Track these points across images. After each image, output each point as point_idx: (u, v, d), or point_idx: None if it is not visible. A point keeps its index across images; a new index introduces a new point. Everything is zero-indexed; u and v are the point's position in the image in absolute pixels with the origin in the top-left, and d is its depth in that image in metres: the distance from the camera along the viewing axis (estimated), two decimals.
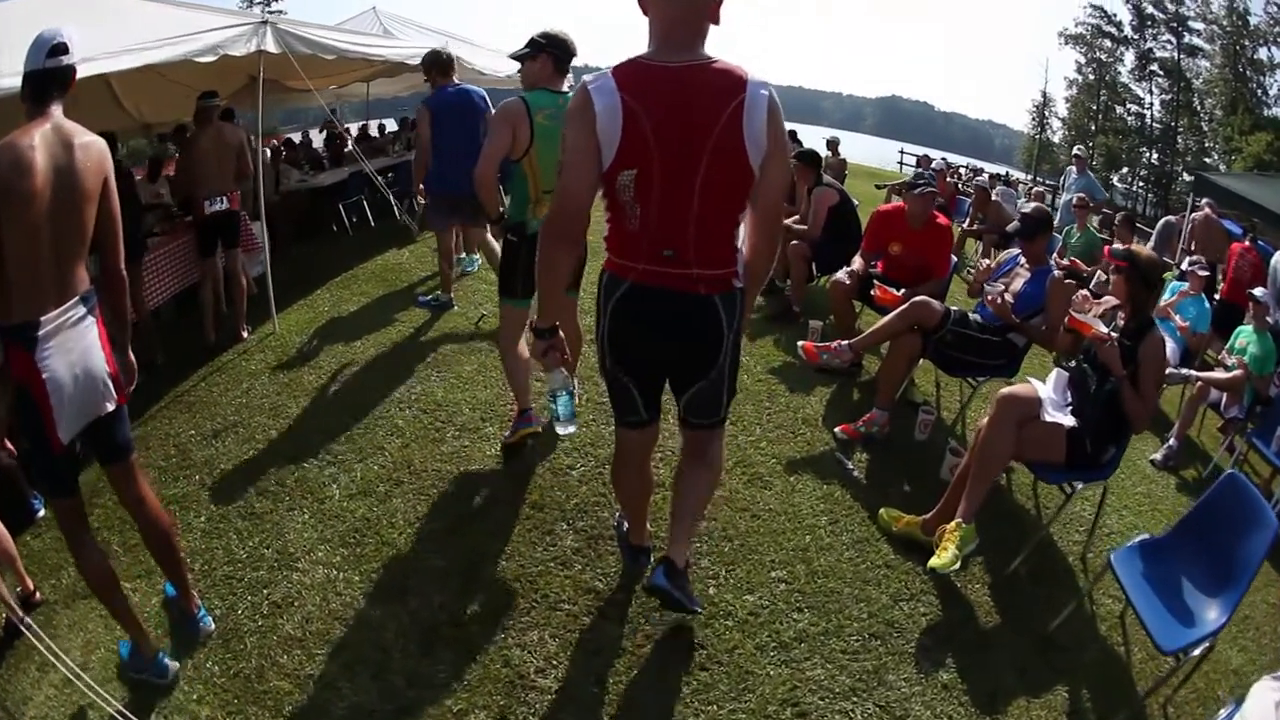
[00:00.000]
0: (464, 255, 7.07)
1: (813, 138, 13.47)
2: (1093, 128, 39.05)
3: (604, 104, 1.96)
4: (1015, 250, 4.30)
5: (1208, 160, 35.00)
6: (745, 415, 4.29)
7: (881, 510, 3.48)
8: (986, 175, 18.18)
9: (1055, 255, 7.94)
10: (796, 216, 6.28)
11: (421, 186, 5.70)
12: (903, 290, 4.39)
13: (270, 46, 5.29)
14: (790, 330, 5.66)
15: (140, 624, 2.45)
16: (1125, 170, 38.35)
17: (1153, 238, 10.47)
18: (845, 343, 4.11)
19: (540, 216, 3.36)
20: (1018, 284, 4.10)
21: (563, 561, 3.11)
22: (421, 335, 5.39)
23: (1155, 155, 37.24)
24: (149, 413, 4.20)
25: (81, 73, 2.42)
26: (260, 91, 5.55)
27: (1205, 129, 35.64)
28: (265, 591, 2.84)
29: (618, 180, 2.04)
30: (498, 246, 4.47)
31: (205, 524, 3.23)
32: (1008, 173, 23.35)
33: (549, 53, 3.41)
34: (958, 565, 2.91)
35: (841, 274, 4.90)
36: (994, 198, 9.28)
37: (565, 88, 3.48)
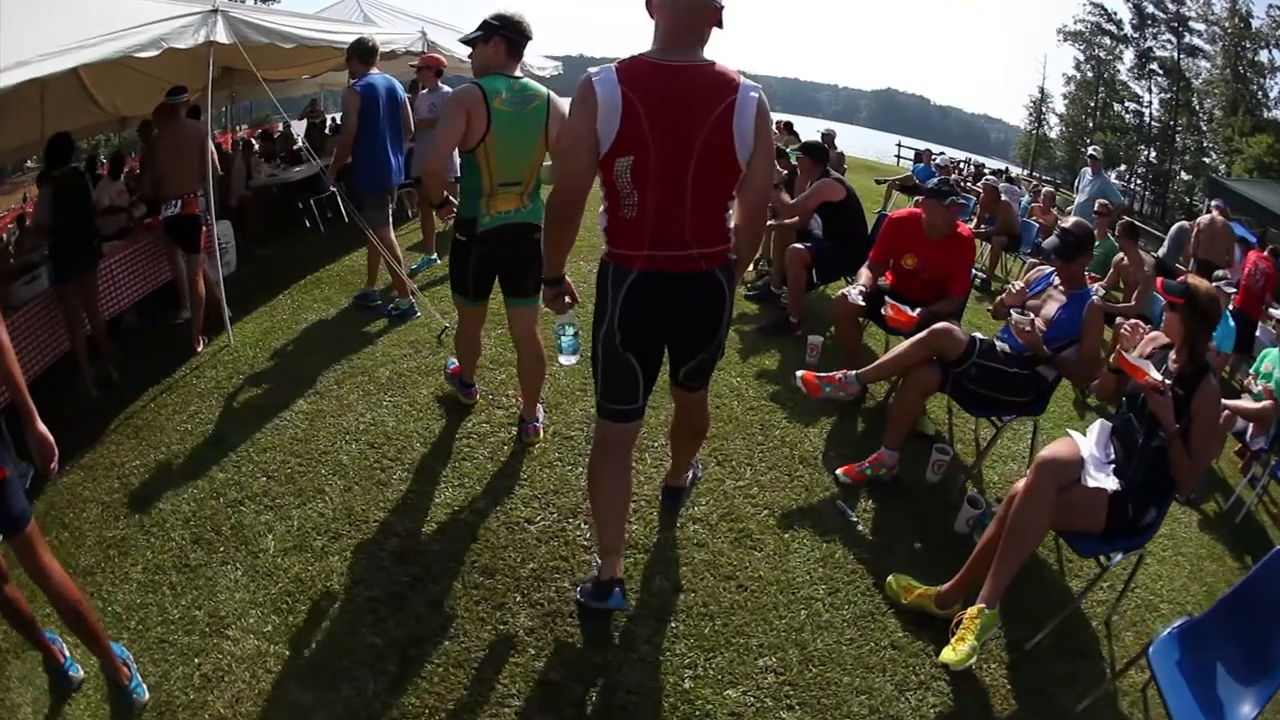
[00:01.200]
0: (430, 255, 6.58)
1: (809, 130, 12.82)
2: (1090, 124, 38.50)
3: (605, 94, 2.07)
4: (1047, 269, 3.73)
5: (1206, 160, 34.59)
6: (735, 454, 3.72)
7: (890, 577, 2.94)
8: (989, 171, 17.18)
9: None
10: (798, 219, 5.66)
11: (339, 181, 5.36)
12: (918, 310, 3.82)
13: (221, 37, 4.81)
14: (787, 345, 5.10)
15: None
16: (1123, 168, 37.82)
17: (1165, 244, 9.94)
18: (852, 373, 3.54)
19: (495, 211, 3.19)
20: (1051, 309, 3.54)
21: (513, 644, 2.61)
22: (378, 350, 4.83)
23: (1153, 154, 36.73)
24: (99, 437, 3.93)
25: (11, 79, 1.94)
26: (209, 84, 5.03)
27: (1204, 129, 35.01)
28: (197, 661, 2.56)
29: (615, 166, 2.14)
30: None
31: (142, 575, 2.94)
32: (1007, 169, 22.58)
33: (502, 35, 3.12)
34: (974, 659, 2.39)
35: (853, 292, 4.18)
36: (1003, 198, 8.66)
37: (518, 73, 3.20)
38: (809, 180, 5.54)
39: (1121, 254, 6.79)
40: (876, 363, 3.57)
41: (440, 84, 6.26)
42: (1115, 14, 37.89)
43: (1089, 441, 2.86)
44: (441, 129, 3.13)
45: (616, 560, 2.60)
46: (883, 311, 3.90)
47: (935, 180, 4.14)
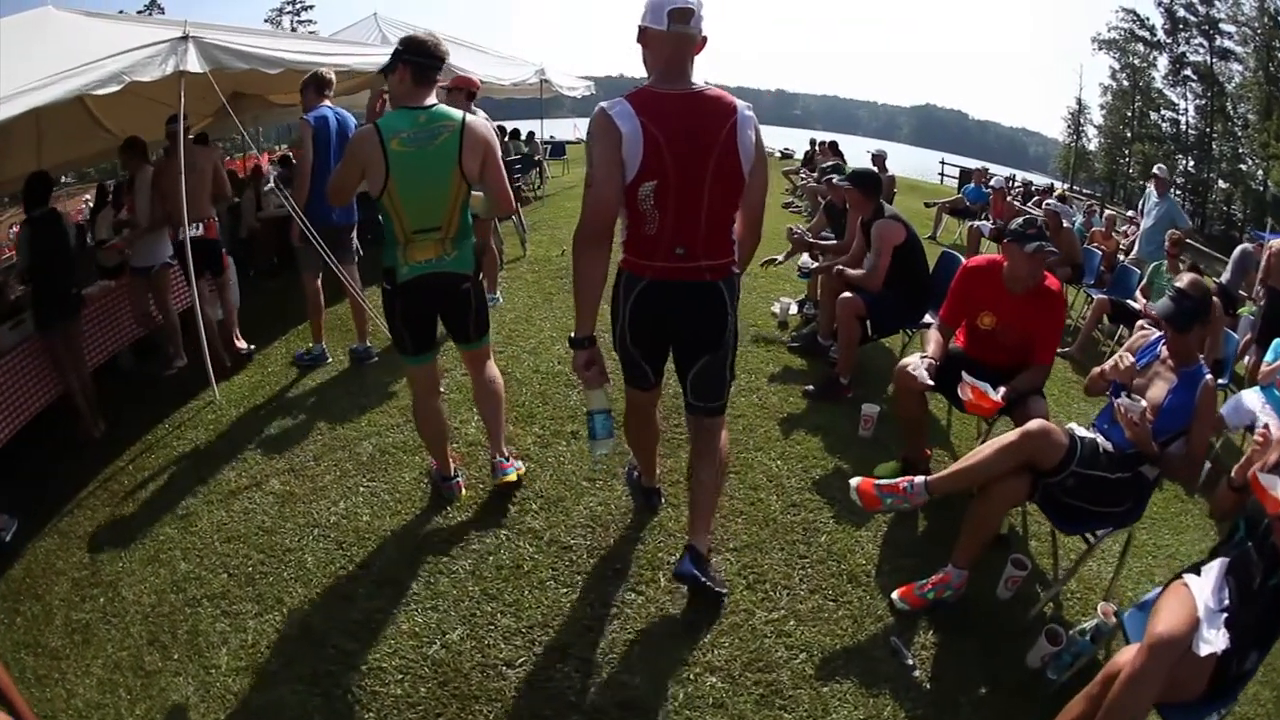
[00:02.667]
0: (493, 295, 5.92)
1: (854, 151, 11.91)
2: (1129, 134, 37.14)
3: (627, 128, 2.16)
4: (1153, 333, 2.95)
5: (1242, 168, 33.32)
6: (771, 573, 2.95)
7: None
8: (1037, 190, 15.78)
9: (1138, 293, 6.53)
10: (845, 259, 4.85)
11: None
12: (1001, 391, 3.01)
13: (193, 65, 4.27)
14: (836, 414, 4.27)
15: None
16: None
17: (1228, 269, 8.97)
18: (920, 481, 2.75)
19: (413, 261, 2.89)
20: (1159, 391, 2.76)
21: None
22: (365, 419, 4.18)
23: (1191, 163, 35.31)
24: (76, 499, 3.66)
25: None
26: (182, 114, 4.41)
27: (1239, 135, 33.59)
28: None
29: (639, 192, 2.24)
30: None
31: (102, 671, 2.61)
32: (1051, 185, 21.32)
33: (407, 62, 2.79)
34: None
35: (921, 370, 3.19)
36: (1064, 223, 7.78)
37: (430, 101, 2.84)
38: (860, 215, 4.69)
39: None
40: (953, 469, 2.77)
41: (475, 108, 5.58)
42: (1148, 19, 36.92)
43: (1204, 587, 2.09)
44: (334, 174, 2.94)
45: (653, 474, 3.22)
46: (960, 394, 3.08)
47: (1019, 222, 3.25)
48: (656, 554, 2.99)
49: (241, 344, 5.19)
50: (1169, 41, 35.57)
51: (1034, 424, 2.66)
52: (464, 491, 3.37)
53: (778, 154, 23.20)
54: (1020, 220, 3.25)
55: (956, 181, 20.17)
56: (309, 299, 4.89)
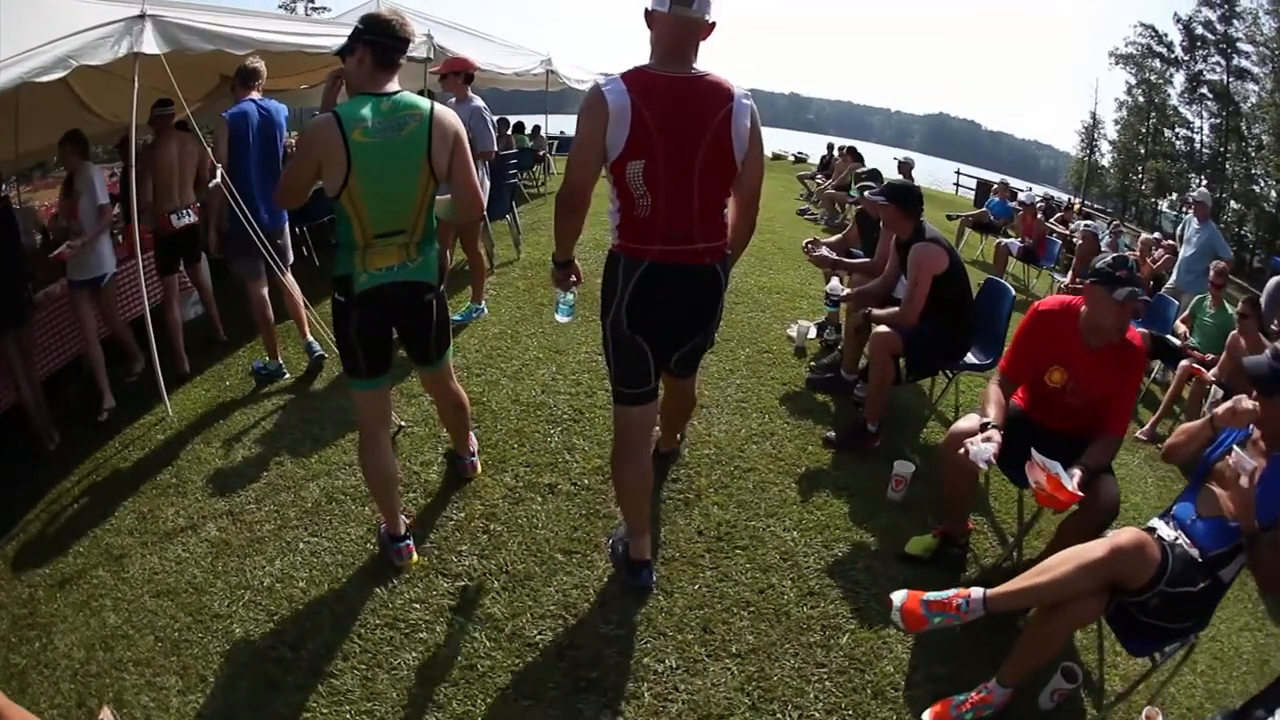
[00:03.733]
0: (478, 305, 5.37)
1: (874, 157, 11.26)
2: (1142, 151, 36.51)
3: (616, 104, 2.12)
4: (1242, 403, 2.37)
5: (1255, 189, 32.59)
6: (781, 686, 2.36)
7: None
8: (1055, 204, 14.95)
9: (1178, 323, 5.95)
10: (877, 282, 4.24)
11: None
12: (1075, 475, 2.37)
13: (149, 47, 3.77)
14: (863, 471, 3.62)
15: None
16: (1174, 196, 35.88)
17: (1262, 299, 8.34)
18: (977, 596, 2.17)
19: (374, 268, 2.52)
20: (1247, 469, 2.20)
21: None
22: (315, 456, 3.63)
23: (1204, 182, 34.79)
24: (22, 523, 3.32)
25: None
26: (134, 104, 3.86)
27: (1253, 155, 32.84)
28: None
29: (627, 170, 2.20)
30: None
31: None
32: (1071, 199, 20.55)
33: (367, 43, 2.44)
34: None
35: (980, 449, 2.46)
36: (1101, 249, 7.19)
37: (394, 88, 2.49)
38: (896, 236, 4.00)
39: (1238, 332, 5.17)
40: (1020, 586, 2.16)
41: (472, 94, 5.01)
42: (1166, 35, 36.15)
43: None
44: (286, 169, 2.54)
45: (644, 541, 2.71)
46: (1029, 478, 2.40)
47: (1108, 261, 2.59)
48: (642, 660, 2.42)
49: (221, 335, 5.19)
50: (1186, 59, 35.03)
51: (1126, 537, 2.09)
52: (415, 558, 2.82)
53: (791, 158, 22.52)
54: (1109, 259, 2.63)
55: (973, 194, 19.34)
56: (255, 311, 4.40)
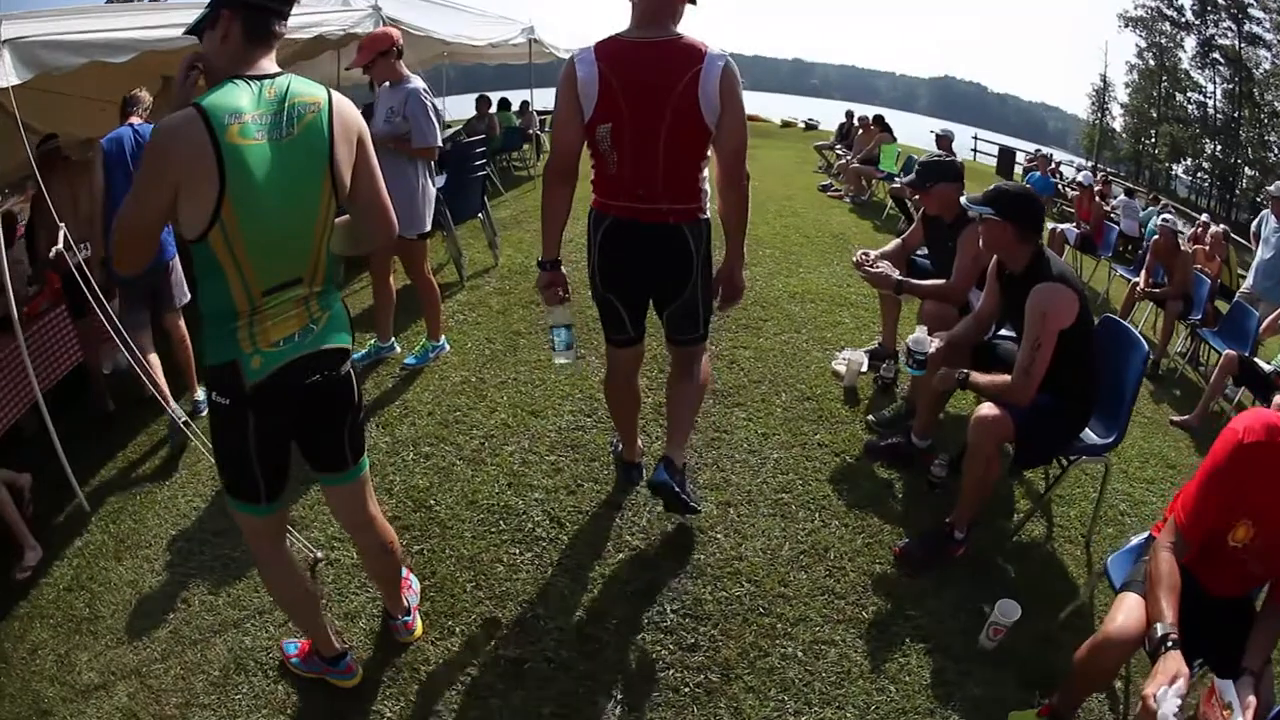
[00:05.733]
0: (374, 342, 4.09)
1: (905, 130, 9.86)
2: (1155, 115, 34.97)
3: (584, 71, 2.15)
4: None
5: (1268, 156, 31.26)
6: None
7: None
8: (1079, 169, 13.28)
9: (1264, 328, 4.70)
10: (970, 321, 2.95)
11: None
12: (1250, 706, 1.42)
13: (9, 78, 2.82)
14: (944, 604, 2.47)
15: None
16: (1189, 162, 34.45)
17: None
18: None
19: (269, 346, 1.66)
20: None
21: None
22: (225, 591, 2.53)
23: (1219, 147, 33.49)
24: None
25: None
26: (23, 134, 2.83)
27: (1266, 122, 31.39)
28: None
29: (597, 132, 2.21)
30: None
31: None
32: (1094, 165, 18.85)
33: (234, 9, 1.57)
34: None
35: (1168, 701, 1.44)
36: (1181, 246, 5.88)
37: (274, 69, 1.63)
38: (1005, 268, 2.70)
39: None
40: None
41: (407, 73, 3.70)
42: None
43: None
44: (123, 208, 1.55)
45: (634, 447, 2.97)
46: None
47: None
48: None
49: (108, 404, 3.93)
50: (1197, 23, 33.51)
51: None
52: (358, 672, 2.12)
53: (801, 125, 20.94)
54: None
55: (994, 161, 17.66)
56: (145, 358, 3.31)
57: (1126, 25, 35.97)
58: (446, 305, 4.75)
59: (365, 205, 1.79)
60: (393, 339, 4.11)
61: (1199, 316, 5.73)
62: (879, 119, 9.84)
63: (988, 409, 2.53)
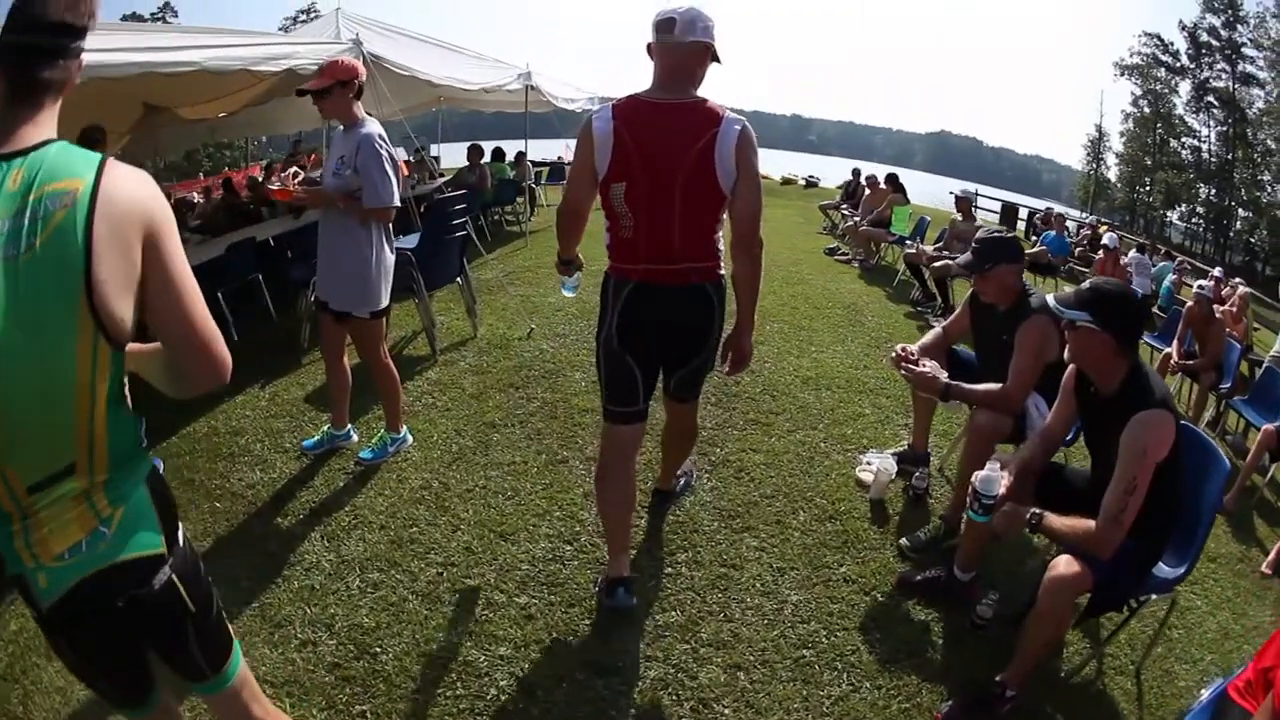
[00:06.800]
0: (329, 429, 3.53)
1: (919, 189, 9.44)
2: (1149, 163, 35.05)
3: (600, 129, 2.15)
4: None
5: (1260, 195, 31.54)
6: None
7: None
8: (1097, 225, 12.71)
9: None
10: (1037, 441, 2.43)
11: None
12: None
13: None
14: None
15: None
16: (1184, 207, 34.40)
17: None
18: None
19: (51, 560, 1.14)
20: None
21: None
22: None
23: (1213, 191, 33.52)
24: None
25: None
26: None
27: (1259, 162, 31.94)
28: None
29: (611, 190, 2.20)
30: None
31: None
32: (1097, 219, 18.50)
33: None
34: None
35: None
36: (1216, 314, 5.37)
37: (37, 139, 1.07)
38: (1098, 383, 2.14)
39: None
40: None
41: (363, 114, 3.14)
42: (1172, 44, 35.16)
43: None
44: None
45: (624, 559, 2.55)
46: None
47: None
48: None
49: None
50: (1192, 66, 34.05)
51: None
52: None
53: (802, 182, 20.54)
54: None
55: (997, 218, 17.31)
56: None
57: (1122, 73, 36.66)
58: (415, 383, 4.20)
59: (174, 341, 1.21)
60: (349, 426, 3.55)
61: (1228, 384, 5.24)
62: (892, 178, 9.31)
63: (1066, 567, 2.00)
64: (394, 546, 2.80)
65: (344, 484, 3.23)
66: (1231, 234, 32.87)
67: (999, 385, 2.70)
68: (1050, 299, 2.16)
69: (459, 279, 4.99)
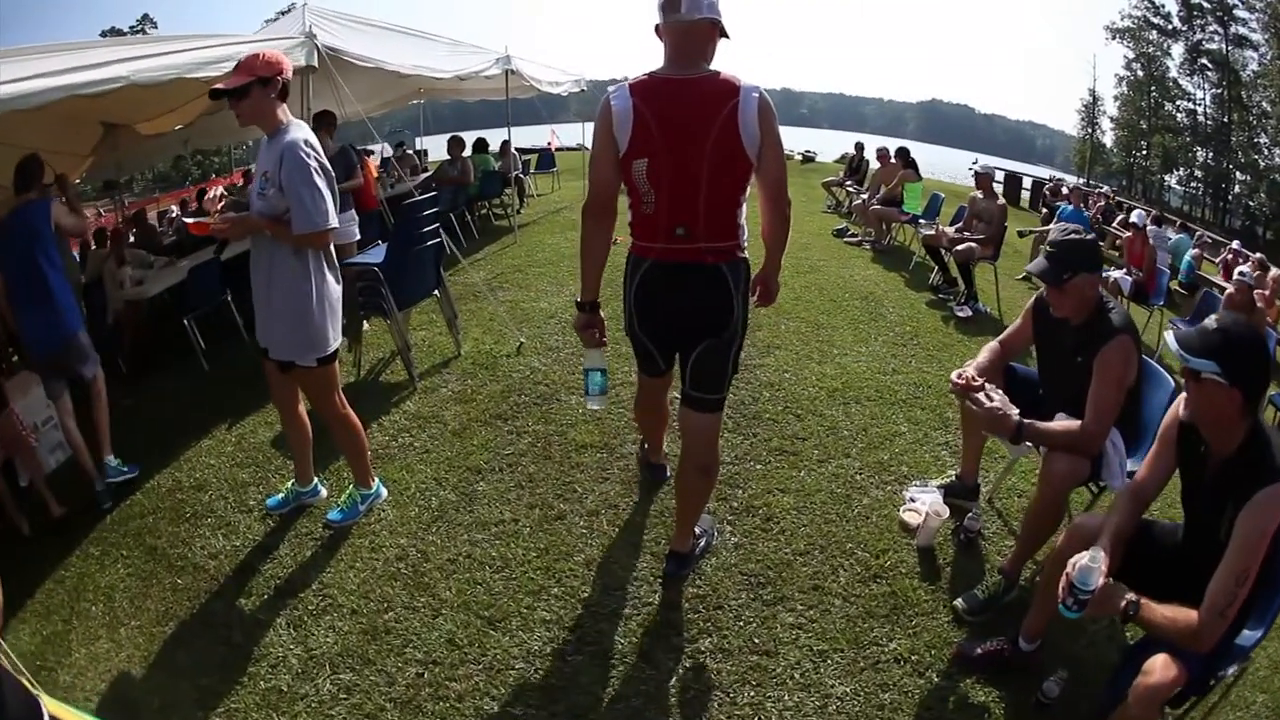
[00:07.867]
0: (293, 485, 3.09)
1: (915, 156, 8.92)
2: (1145, 126, 34.38)
3: (619, 106, 2.13)
4: None
5: (1257, 159, 30.73)
6: None
7: None
8: (1100, 192, 12.19)
9: None
10: (1126, 508, 1.95)
11: None
12: None
13: None
14: None
15: None
16: (1182, 172, 33.82)
17: None
18: None
19: None
20: None
21: None
22: None
23: (1210, 154, 32.95)
24: None
25: None
26: None
27: (1255, 124, 31.08)
28: None
29: (633, 167, 2.17)
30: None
31: None
32: (1109, 193, 17.81)
33: None
34: None
35: None
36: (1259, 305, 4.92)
37: None
38: (1209, 423, 1.73)
39: None
40: None
41: (288, 118, 2.57)
42: (1163, 6, 33.99)
43: None
44: None
45: (660, 450, 3.10)
46: None
47: None
48: None
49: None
50: (1184, 29, 33.01)
51: None
52: None
53: (798, 157, 19.80)
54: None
55: (1001, 188, 16.71)
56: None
57: (1114, 37, 35.72)
58: (390, 417, 3.75)
59: None
60: (315, 480, 3.10)
61: None
62: (902, 152, 8.75)
63: (1162, 673, 1.62)
64: (367, 638, 2.35)
65: (311, 554, 2.79)
66: (1230, 198, 32.34)
67: (1077, 423, 2.25)
68: (1171, 340, 1.70)
69: (436, 291, 4.48)
